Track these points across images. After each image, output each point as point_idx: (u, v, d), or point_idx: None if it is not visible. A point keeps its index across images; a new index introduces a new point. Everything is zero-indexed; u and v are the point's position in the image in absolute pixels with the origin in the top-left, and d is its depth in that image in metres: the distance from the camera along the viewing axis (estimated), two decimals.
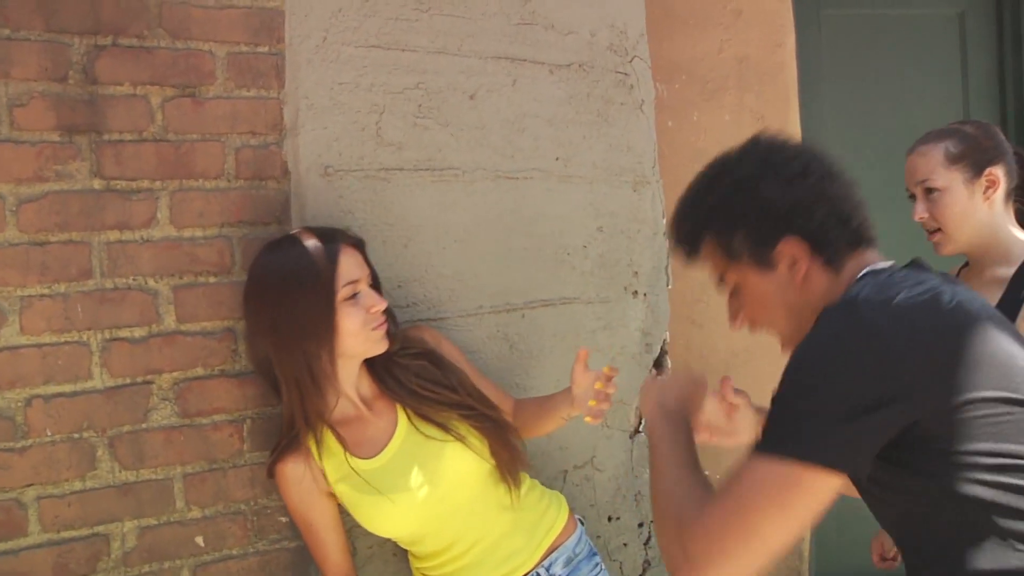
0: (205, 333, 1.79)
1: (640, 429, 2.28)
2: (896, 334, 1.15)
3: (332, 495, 1.75)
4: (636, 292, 2.28)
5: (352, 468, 1.71)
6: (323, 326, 1.65)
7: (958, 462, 1.14)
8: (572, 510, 1.94)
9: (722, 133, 2.98)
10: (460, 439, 1.74)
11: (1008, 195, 2.08)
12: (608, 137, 2.25)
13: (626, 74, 2.29)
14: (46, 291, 1.67)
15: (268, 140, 1.87)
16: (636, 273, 2.28)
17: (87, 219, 1.71)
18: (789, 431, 1.15)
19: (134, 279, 1.75)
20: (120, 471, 1.74)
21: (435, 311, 2.01)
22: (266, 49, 1.86)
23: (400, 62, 1.98)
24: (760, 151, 1.37)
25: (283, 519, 1.85)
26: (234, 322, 1.82)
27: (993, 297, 2.01)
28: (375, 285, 1.76)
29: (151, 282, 1.76)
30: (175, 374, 1.78)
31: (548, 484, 2.10)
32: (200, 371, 1.79)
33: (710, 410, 1.57)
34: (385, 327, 1.72)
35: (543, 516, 1.84)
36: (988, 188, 2.04)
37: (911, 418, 1.13)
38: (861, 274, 1.31)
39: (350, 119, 1.92)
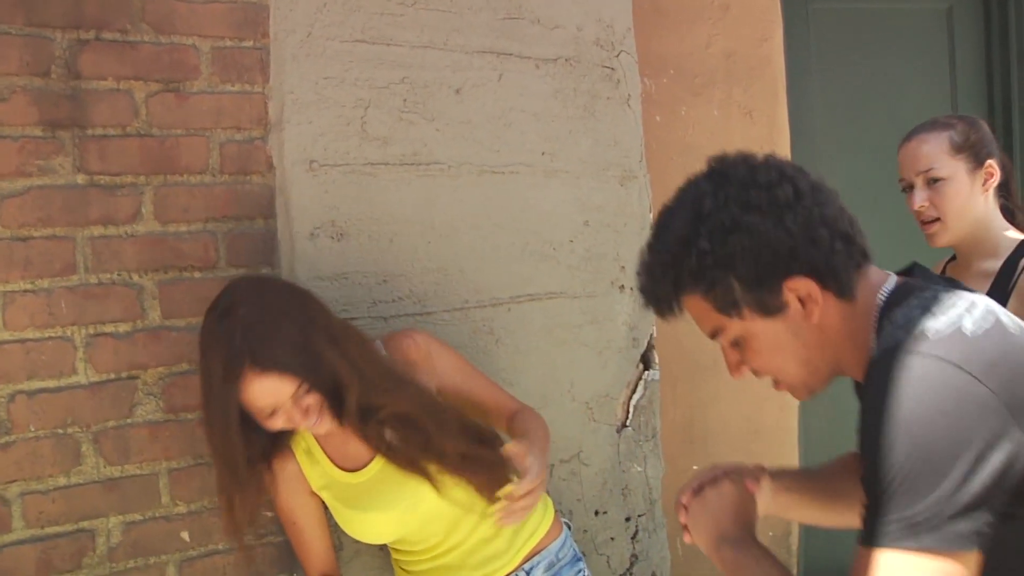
0: (190, 328, 1.79)
1: (627, 424, 2.29)
2: (989, 368, 1.05)
3: (316, 494, 1.75)
4: (623, 287, 2.29)
5: (335, 479, 1.71)
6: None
7: None
8: (559, 512, 1.93)
9: (710, 128, 2.99)
10: (438, 485, 1.67)
11: (996, 191, 2.08)
12: (595, 132, 2.25)
13: (613, 69, 2.29)
14: (29, 286, 1.67)
15: (253, 135, 1.87)
16: (623, 268, 2.28)
17: (71, 214, 1.70)
18: (926, 521, 1.01)
19: (118, 274, 1.74)
20: (105, 467, 1.73)
21: (421, 306, 2.01)
22: (251, 44, 1.86)
23: (385, 57, 1.97)
24: (734, 180, 1.18)
25: (269, 514, 1.85)
26: None
27: (979, 291, 2.01)
28: (318, 383, 1.56)
29: (136, 277, 1.76)
30: (160, 369, 1.78)
31: None
32: (185, 366, 1.79)
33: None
34: (325, 420, 1.61)
35: (527, 520, 1.81)
36: (987, 179, 2.04)
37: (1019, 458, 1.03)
38: (882, 298, 1.19)
39: (335, 114, 1.92)
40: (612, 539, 2.28)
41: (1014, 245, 2.02)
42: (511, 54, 2.13)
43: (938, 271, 1.85)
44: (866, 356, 1.16)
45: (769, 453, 2.99)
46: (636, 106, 2.33)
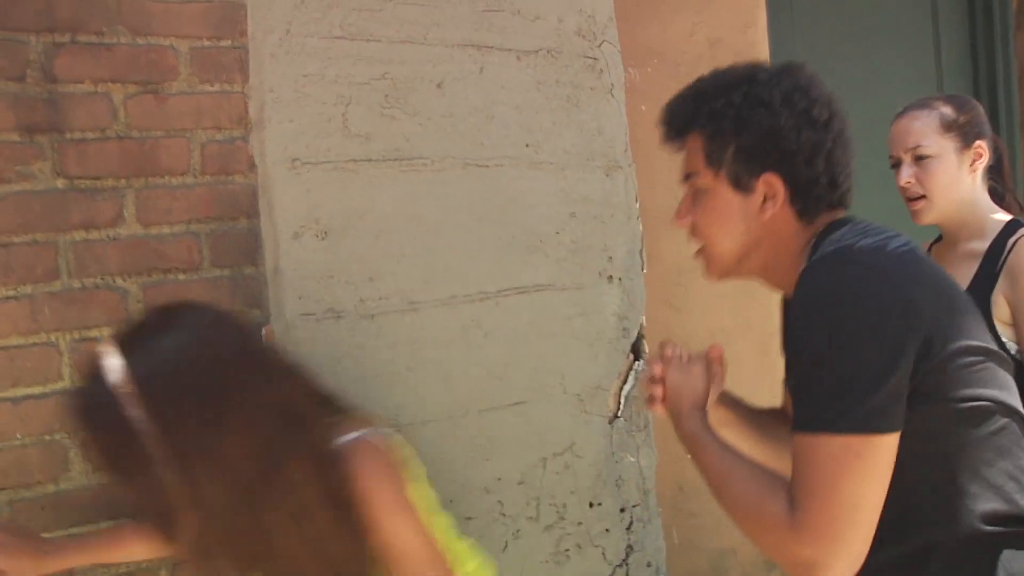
0: None
1: (619, 414, 2.28)
2: (906, 281, 1.18)
3: None
4: (611, 277, 2.28)
5: None
6: None
7: (944, 410, 1.18)
8: None
9: None
10: None
11: (985, 172, 2.08)
12: (578, 123, 2.25)
13: (595, 59, 2.28)
14: (11, 293, 1.66)
15: (234, 134, 1.85)
16: (611, 258, 2.28)
17: (51, 219, 1.69)
18: (840, 405, 1.15)
19: (102, 278, 1.73)
20: (94, 472, 1.72)
21: (408, 302, 2.00)
22: (229, 43, 1.85)
23: (365, 52, 1.96)
24: (794, 78, 1.33)
25: None
26: None
27: (967, 271, 2.02)
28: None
29: (119, 281, 1.75)
30: None
31: (527, 472, 2.11)
32: None
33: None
34: None
35: None
36: (975, 160, 2.04)
37: (920, 368, 1.16)
38: (825, 226, 1.32)
39: (316, 111, 1.91)
40: (607, 531, 2.27)
41: (1000, 226, 2.02)
42: (492, 47, 2.12)
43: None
44: (798, 272, 1.28)
45: None
46: (620, 96, 2.32)
